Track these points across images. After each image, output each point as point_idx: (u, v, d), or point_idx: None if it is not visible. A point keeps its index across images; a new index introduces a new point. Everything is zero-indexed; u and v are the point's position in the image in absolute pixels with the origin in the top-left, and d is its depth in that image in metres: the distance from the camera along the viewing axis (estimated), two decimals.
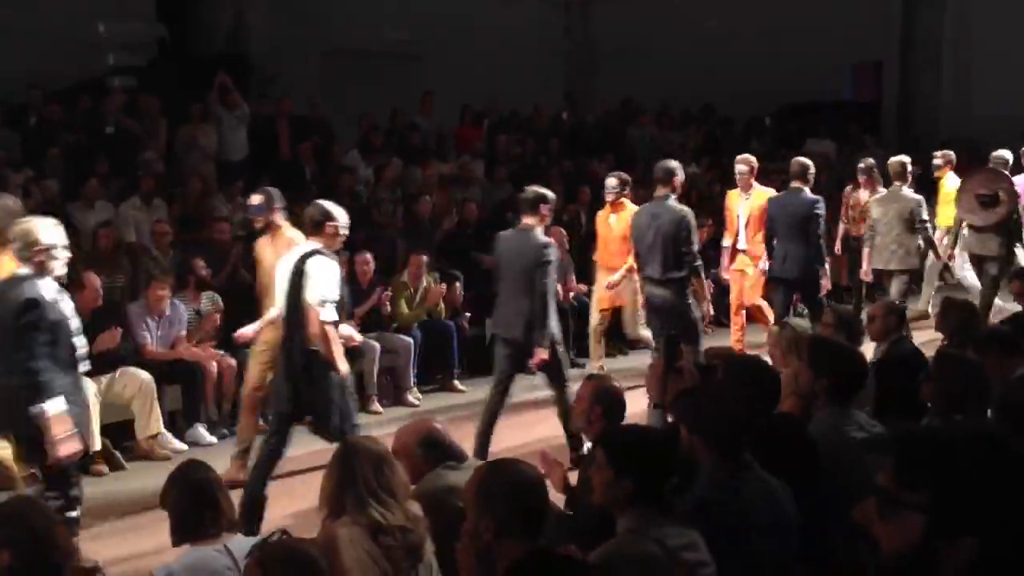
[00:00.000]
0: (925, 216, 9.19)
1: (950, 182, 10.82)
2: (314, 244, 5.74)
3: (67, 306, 4.99)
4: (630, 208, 8.41)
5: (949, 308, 6.02)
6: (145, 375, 7.26)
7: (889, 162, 9.54)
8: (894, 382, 5.11)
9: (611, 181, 8.80)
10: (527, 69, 14.99)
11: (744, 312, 9.34)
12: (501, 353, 6.83)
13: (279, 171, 11.18)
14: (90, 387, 6.89)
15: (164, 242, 8.75)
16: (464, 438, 5.80)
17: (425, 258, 9.03)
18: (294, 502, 6.22)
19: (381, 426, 7.50)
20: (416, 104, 13.09)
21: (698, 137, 14.58)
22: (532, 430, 7.57)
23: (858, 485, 3.52)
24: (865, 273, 9.53)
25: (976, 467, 2.25)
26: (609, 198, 8.70)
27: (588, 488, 3.96)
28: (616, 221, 8.67)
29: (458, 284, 9.50)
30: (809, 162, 8.76)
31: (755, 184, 9.18)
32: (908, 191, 9.28)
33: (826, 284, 8.67)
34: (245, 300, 8.21)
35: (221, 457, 6.88)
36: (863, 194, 10.70)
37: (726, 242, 9.39)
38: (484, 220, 10.57)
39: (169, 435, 7.39)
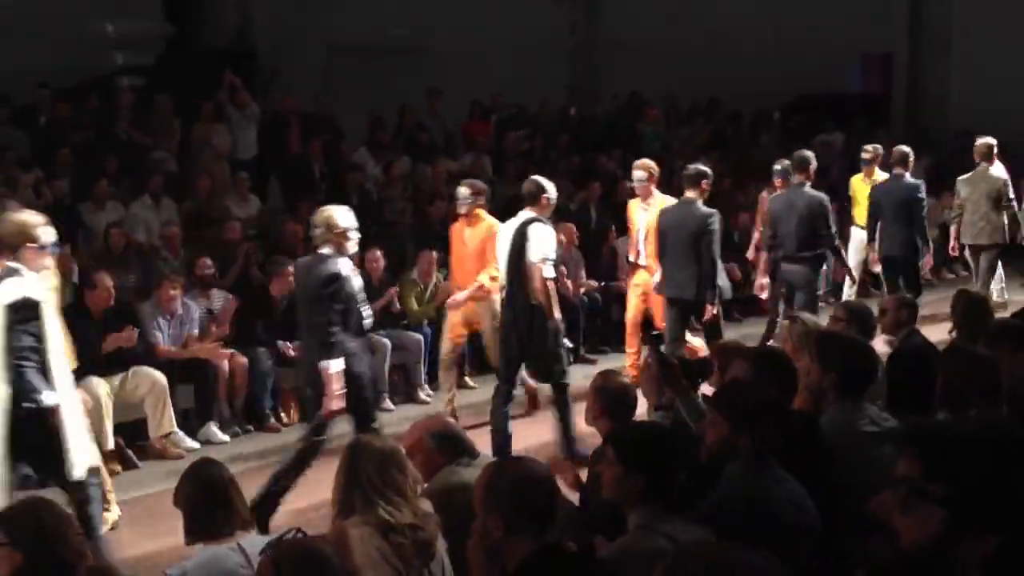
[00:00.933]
0: (1012, 195, 9.87)
1: (881, 177, 9.75)
2: (531, 213, 6.79)
3: (357, 282, 5.97)
4: (487, 220, 7.42)
5: (959, 300, 6.00)
6: (157, 374, 7.29)
7: (976, 144, 10.09)
8: (906, 376, 5.09)
9: (463, 191, 7.55)
10: (533, 64, 14.95)
11: (641, 333, 8.17)
12: (671, 315, 7.86)
13: (288, 169, 11.20)
14: (102, 387, 6.94)
15: (174, 242, 8.77)
16: (474, 435, 5.88)
17: (435, 255, 9.03)
18: (304, 497, 6.24)
19: (393, 424, 7.51)
20: (423, 99, 13.09)
21: (705, 131, 14.54)
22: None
23: (869, 480, 3.52)
24: (953, 248, 10.22)
25: (999, 464, 2.24)
26: (462, 210, 7.49)
27: (599, 485, 3.97)
28: (471, 235, 7.53)
29: None
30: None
31: (656, 192, 8.30)
32: (995, 170, 9.87)
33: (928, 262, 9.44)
34: (256, 298, 8.26)
35: (234, 455, 6.92)
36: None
37: (632, 256, 8.59)
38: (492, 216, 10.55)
39: (182, 434, 7.41)
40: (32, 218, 4.99)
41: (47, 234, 4.91)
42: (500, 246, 6.95)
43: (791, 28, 16.60)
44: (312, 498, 6.08)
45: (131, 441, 7.29)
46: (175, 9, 13.60)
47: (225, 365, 7.69)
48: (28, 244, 4.83)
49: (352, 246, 5.96)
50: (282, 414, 8.07)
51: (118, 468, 7.01)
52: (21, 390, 4.76)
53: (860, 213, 10.00)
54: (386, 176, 11.30)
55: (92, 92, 11.31)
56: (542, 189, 6.83)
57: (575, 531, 3.75)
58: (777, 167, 9.27)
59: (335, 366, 5.73)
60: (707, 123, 14.94)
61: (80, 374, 6.92)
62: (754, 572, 1.81)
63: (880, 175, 9.78)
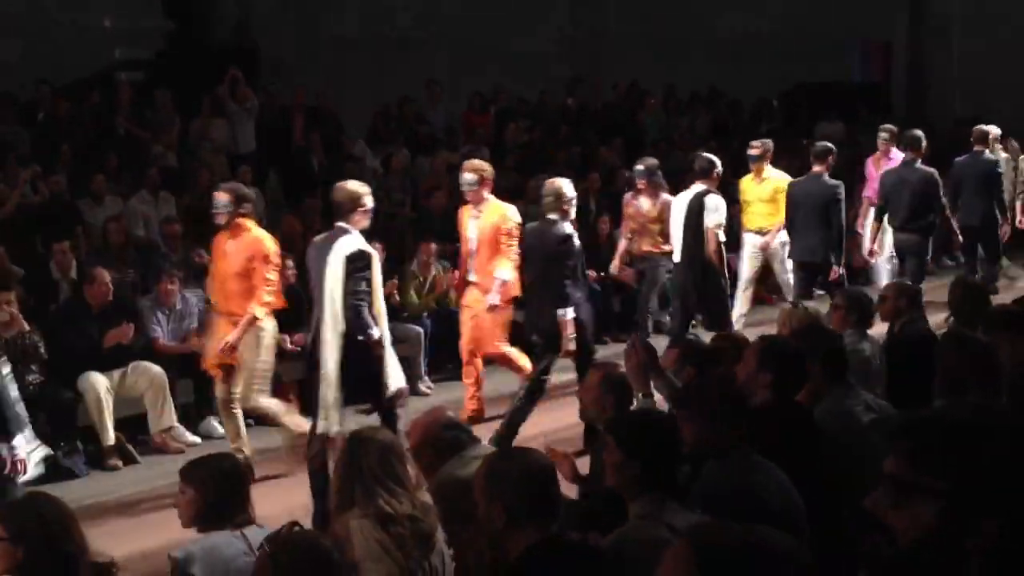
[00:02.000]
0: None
1: (773, 175, 9.14)
2: (703, 186, 8.02)
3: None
4: (254, 231, 6.55)
5: (956, 287, 5.99)
6: (157, 369, 7.28)
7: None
8: (905, 363, 5.09)
9: (222, 198, 6.50)
10: (534, 55, 14.95)
11: (479, 361, 7.59)
12: (799, 276, 8.71)
13: (288, 162, 11.19)
14: (101, 382, 6.95)
15: (173, 236, 8.77)
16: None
17: (435, 246, 9.01)
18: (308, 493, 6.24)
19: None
20: (423, 91, 13.07)
21: (706, 120, 14.51)
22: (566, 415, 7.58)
23: (870, 469, 3.52)
24: (1020, 223, 10.54)
25: (995, 450, 2.23)
26: (221, 220, 6.52)
27: (599, 475, 3.97)
28: (235, 249, 6.48)
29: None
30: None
31: (489, 197, 7.31)
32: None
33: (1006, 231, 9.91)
34: None
35: (234, 449, 6.90)
36: (644, 202, 8.80)
37: (461, 271, 7.64)
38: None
39: (182, 428, 7.41)
40: (361, 187, 5.97)
41: (371, 200, 5.93)
42: (674, 216, 8.11)
43: (791, 16, 16.56)
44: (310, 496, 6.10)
45: (131, 436, 7.29)
46: (174, 4, 13.58)
47: None
48: (359, 208, 5.81)
49: (573, 213, 7.05)
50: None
51: (119, 463, 7.01)
52: (356, 326, 5.72)
53: (753, 217, 9.15)
54: (385, 168, 11.29)
55: (91, 88, 11.31)
56: (713, 164, 8.14)
57: (573, 524, 3.76)
58: (639, 167, 8.80)
59: (570, 313, 6.79)
60: (707, 112, 14.91)
61: (79, 369, 6.99)
62: (780, 551, 1.79)
63: (771, 171, 9.10)
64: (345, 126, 12.27)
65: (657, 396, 4.45)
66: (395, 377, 6.00)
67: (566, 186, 7.01)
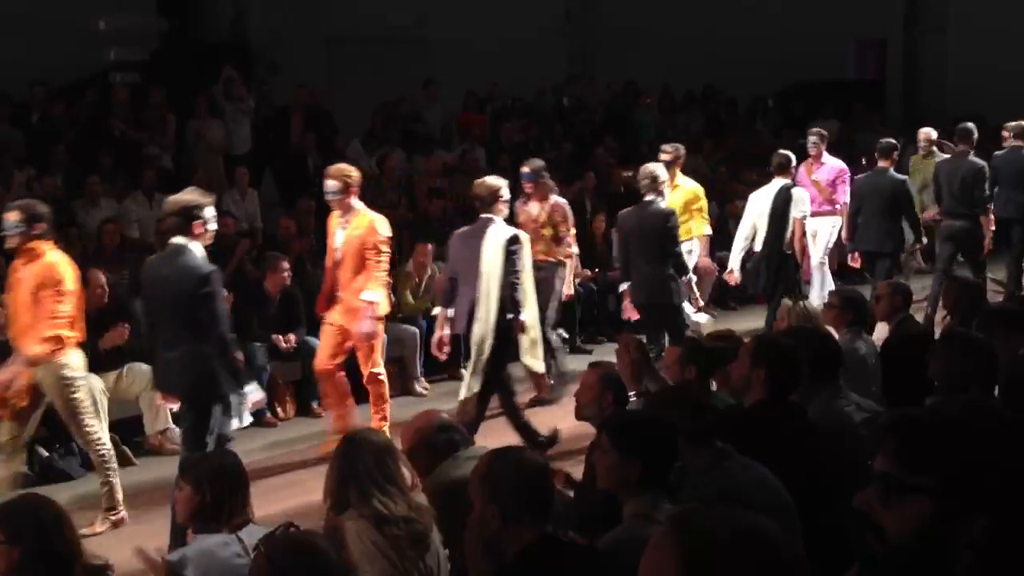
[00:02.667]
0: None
1: (685, 184, 8.82)
2: (786, 180, 8.58)
3: None
4: (48, 256, 5.76)
5: (952, 287, 6.00)
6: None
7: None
8: (901, 362, 5.10)
9: (11, 217, 5.73)
10: (529, 53, 14.93)
11: (342, 375, 7.02)
12: (878, 266, 9.15)
13: (283, 163, 11.17)
14: (97, 383, 6.93)
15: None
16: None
17: (431, 247, 9.01)
18: (304, 494, 6.23)
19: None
20: (419, 89, 13.06)
21: (700, 119, 14.51)
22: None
23: (861, 468, 3.52)
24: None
25: (983, 447, 2.24)
26: (11, 243, 5.81)
27: (594, 475, 3.97)
28: (27, 275, 5.74)
29: None
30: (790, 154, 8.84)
31: (357, 204, 6.80)
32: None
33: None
34: (251, 293, 8.24)
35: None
36: (533, 207, 8.36)
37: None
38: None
39: (178, 430, 7.38)
40: (498, 181, 6.76)
41: (507, 191, 6.71)
42: (756, 208, 8.62)
43: (785, 14, 16.56)
44: (306, 497, 6.09)
45: (127, 438, 7.27)
46: (169, 3, 13.56)
47: None
48: (499, 200, 6.60)
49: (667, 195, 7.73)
50: (278, 409, 8.06)
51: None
52: (511, 305, 6.40)
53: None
54: (380, 168, 11.28)
55: (86, 88, 11.28)
56: (790, 160, 8.77)
57: (567, 525, 3.75)
58: (525, 170, 8.37)
59: (694, 277, 7.91)
60: (702, 111, 14.91)
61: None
62: (775, 535, 1.75)
63: (683, 179, 8.81)
64: (340, 126, 12.25)
65: None
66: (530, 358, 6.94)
67: (659, 169, 7.62)
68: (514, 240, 6.48)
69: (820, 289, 9.34)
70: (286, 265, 8.09)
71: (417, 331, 8.69)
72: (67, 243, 8.33)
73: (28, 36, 11.45)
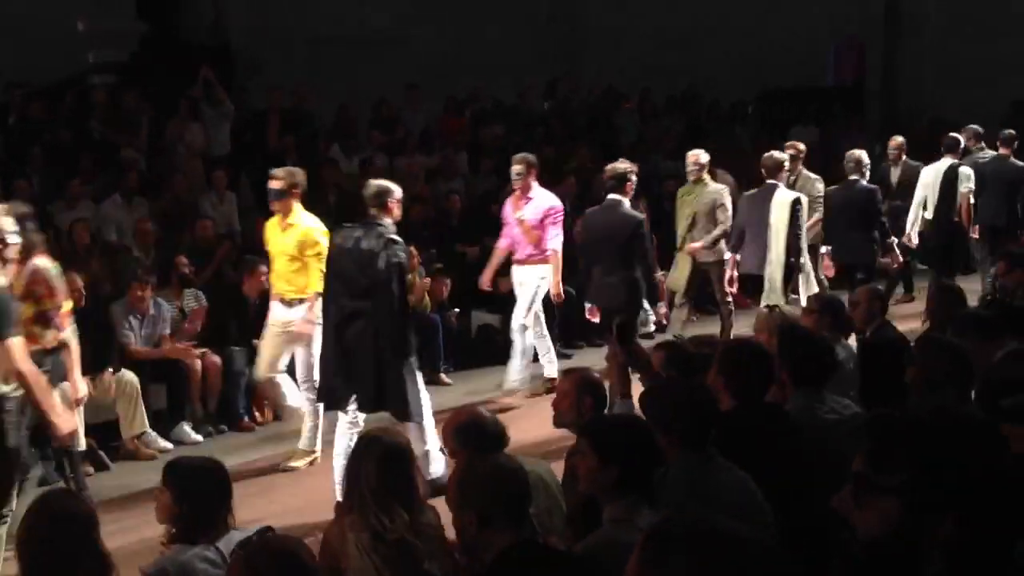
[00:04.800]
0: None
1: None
2: (952, 160, 9.85)
3: None
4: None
5: (936, 293, 6.04)
6: (129, 374, 7.23)
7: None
8: (878, 367, 5.12)
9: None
10: (511, 56, 14.94)
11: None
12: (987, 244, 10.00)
13: (261, 166, 11.11)
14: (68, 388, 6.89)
15: (146, 240, 8.71)
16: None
17: (414, 250, 8.99)
18: (282, 499, 6.21)
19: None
20: (400, 92, 13.04)
21: (680, 123, 14.55)
22: None
23: (830, 467, 3.54)
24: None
25: (949, 449, 2.27)
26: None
27: (573, 479, 3.97)
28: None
29: (446, 278, 9.43)
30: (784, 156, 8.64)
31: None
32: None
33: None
34: (230, 297, 8.21)
35: (207, 455, 6.86)
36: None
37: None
38: (467, 212, 10.55)
39: (155, 434, 7.36)
40: (783, 157, 8.42)
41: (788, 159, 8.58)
42: (926, 182, 9.82)
43: (764, 20, 16.63)
44: (284, 502, 6.08)
45: (103, 442, 7.23)
46: (148, 5, 13.49)
47: (198, 365, 7.64)
48: (784, 170, 8.43)
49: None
50: (256, 413, 8.02)
51: (90, 469, 6.95)
52: (795, 250, 7.91)
53: None
54: (362, 173, 11.25)
55: (65, 91, 11.21)
56: (958, 141, 9.91)
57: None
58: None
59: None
60: (683, 115, 14.95)
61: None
62: (742, 542, 1.77)
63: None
64: (320, 128, 12.22)
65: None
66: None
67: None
68: (797, 202, 8.01)
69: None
70: (264, 269, 8.05)
71: None
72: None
73: (6, 37, 11.37)
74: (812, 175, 9.38)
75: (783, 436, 3.95)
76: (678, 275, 9.06)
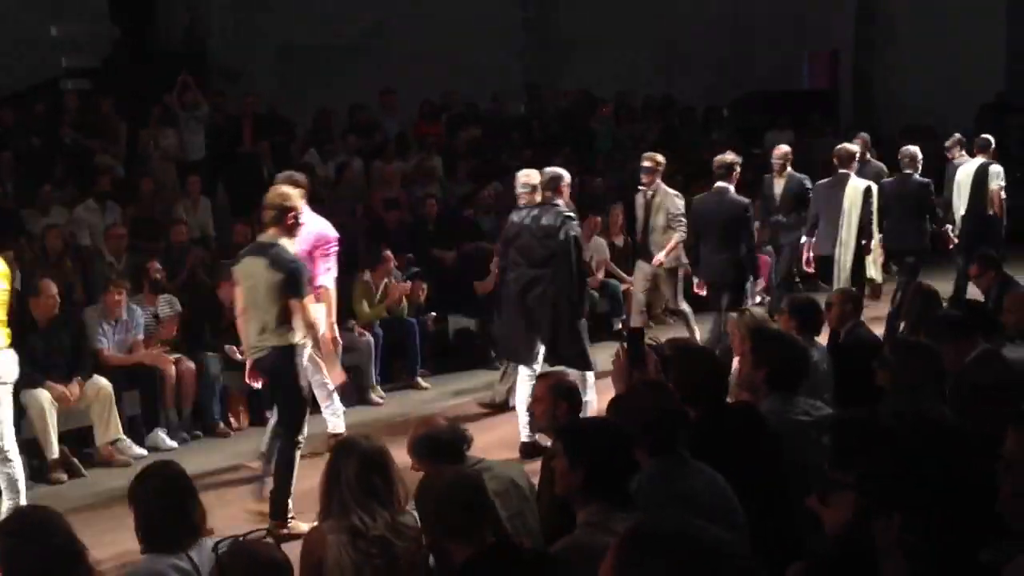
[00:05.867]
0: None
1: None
2: (984, 159, 10.32)
3: None
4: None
5: (914, 294, 6.08)
6: (103, 381, 7.17)
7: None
8: (852, 367, 5.15)
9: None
10: (486, 62, 14.96)
11: None
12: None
13: (237, 171, 11.09)
14: (45, 394, 6.84)
15: (118, 245, 8.65)
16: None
17: (389, 254, 8.98)
18: (256, 504, 6.17)
19: (378, 421, 7.56)
20: (375, 98, 13.02)
21: (655, 128, 14.59)
22: None
23: (802, 467, 3.55)
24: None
25: (902, 449, 2.30)
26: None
27: (547, 483, 3.98)
28: None
29: (423, 283, 9.42)
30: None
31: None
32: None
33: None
34: (204, 302, 8.17)
35: (182, 461, 6.81)
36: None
37: None
38: (443, 216, 10.54)
39: (129, 441, 7.29)
40: (854, 147, 9.36)
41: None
42: (960, 182, 10.24)
43: (740, 26, 16.72)
44: (259, 507, 6.04)
45: (77, 449, 7.17)
46: (121, 10, 13.42)
47: (172, 371, 7.59)
48: (855, 160, 9.12)
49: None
50: (231, 419, 7.98)
51: (63, 477, 6.90)
52: (864, 233, 8.73)
53: None
54: (338, 176, 11.23)
55: (37, 96, 11.13)
56: (990, 143, 10.40)
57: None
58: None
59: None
60: (658, 120, 15.00)
61: (23, 384, 6.85)
62: (718, 547, 1.77)
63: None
64: (296, 134, 12.19)
65: None
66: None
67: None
68: (868, 189, 8.82)
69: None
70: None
71: (372, 340, 8.63)
72: (16, 252, 8.24)
73: None
74: (671, 190, 8.85)
75: (757, 438, 3.97)
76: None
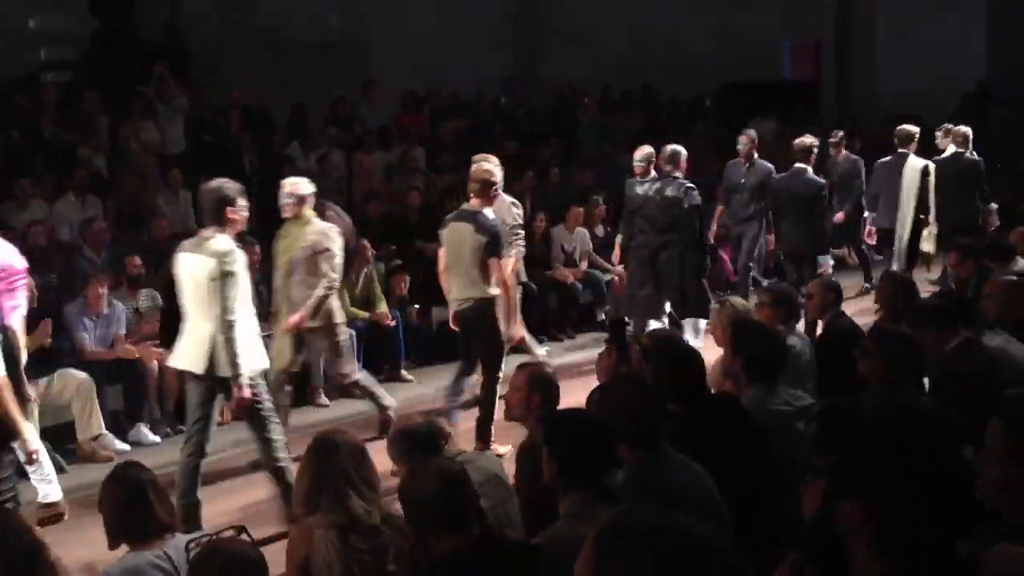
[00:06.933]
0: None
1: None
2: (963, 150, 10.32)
3: None
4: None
5: (886, 282, 6.09)
6: (83, 376, 7.13)
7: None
8: (834, 357, 5.16)
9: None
10: (470, 54, 14.93)
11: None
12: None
13: (218, 162, 11.01)
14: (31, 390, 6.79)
15: (98, 240, 8.59)
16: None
17: (367, 244, 8.95)
18: (239, 499, 6.16)
19: (327, 422, 7.47)
20: (358, 89, 12.98)
21: (638, 119, 14.59)
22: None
23: (784, 456, 3.55)
24: None
25: (881, 437, 2.31)
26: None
27: (524, 474, 4.00)
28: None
29: (406, 274, 9.40)
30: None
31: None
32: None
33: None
34: None
35: (165, 456, 6.80)
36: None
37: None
38: (425, 208, 10.52)
39: (111, 436, 7.27)
40: (914, 128, 9.65)
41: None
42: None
43: (722, 16, 16.72)
44: (239, 501, 6.03)
45: (59, 444, 7.12)
46: (101, 3, 13.33)
47: (154, 365, 7.56)
48: (914, 140, 9.88)
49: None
50: None
51: None
52: (924, 208, 9.34)
53: None
54: (320, 168, 11.18)
55: (16, 90, 11.05)
56: (968, 136, 10.08)
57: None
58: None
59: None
60: (641, 111, 15.00)
61: None
62: (704, 540, 1.77)
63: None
64: (277, 126, 12.14)
65: None
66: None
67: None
68: (926, 169, 9.36)
69: None
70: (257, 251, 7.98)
71: (353, 332, 8.56)
72: None
73: None
74: (508, 198, 7.61)
75: (740, 431, 3.97)
76: (277, 352, 6.90)
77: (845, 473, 2.29)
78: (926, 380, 4.45)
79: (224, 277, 5.32)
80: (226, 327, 5.33)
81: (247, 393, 5.40)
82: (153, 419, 7.63)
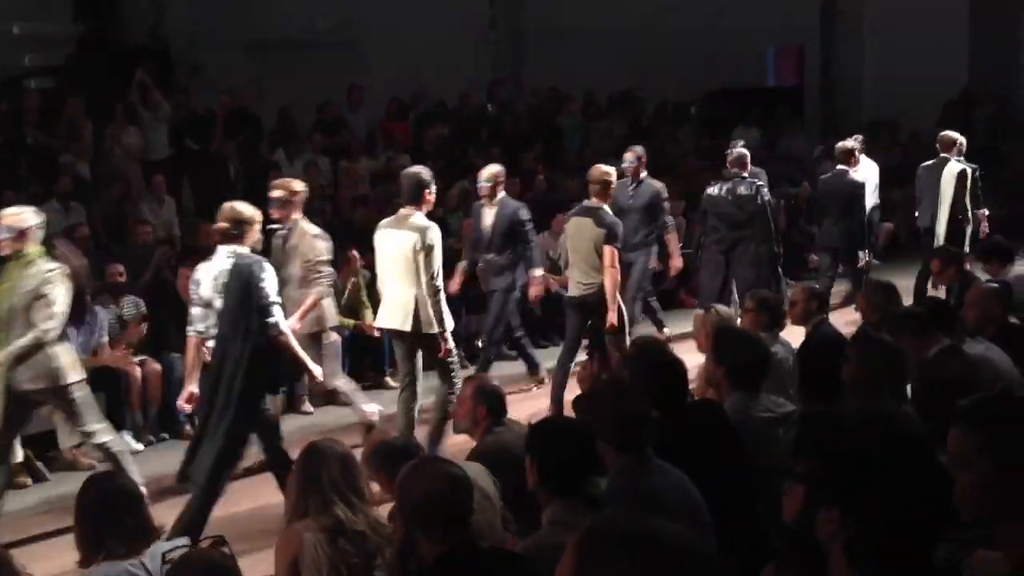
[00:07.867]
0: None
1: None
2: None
3: None
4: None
5: (871, 290, 6.11)
6: None
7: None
8: (817, 365, 5.18)
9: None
10: (455, 58, 14.93)
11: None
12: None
13: (202, 169, 11.00)
14: None
15: (82, 246, 8.55)
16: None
17: (356, 253, 8.93)
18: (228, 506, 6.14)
19: (313, 428, 7.46)
20: (343, 94, 12.96)
21: (623, 125, 14.60)
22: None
23: (764, 462, 3.56)
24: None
25: (858, 444, 2.32)
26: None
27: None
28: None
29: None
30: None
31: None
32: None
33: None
34: (170, 303, 8.09)
35: (147, 464, 6.78)
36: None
37: None
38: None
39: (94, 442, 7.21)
40: (960, 136, 10.22)
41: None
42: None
43: (706, 22, 16.76)
44: (228, 509, 6.01)
45: (41, 452, 7.10)
46: (84, 8, 13.28)
47: (137, 373, 7.53)
48: (957, 145, 10.07)
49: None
50: (197, 421, 7.90)
51: (28, 481, 6.83)
52: (960, 210, 9.85)
53: None
54: (305, 175, 11.16)
55: (1, 97, 11.00)
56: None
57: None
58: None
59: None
60: (625, 116, 15.02)
61: None
62: (689, 546, 1.77)
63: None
64: (263, 131, 12.10)
65: None
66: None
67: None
68: (963, 173, 9.82)
69: None
70: None
71: (338, 338, 8.53)
72: None
73: None
74: (311, 229, 6.97)
75: (721, 437, 3.98)
76: None
77: (824, 479, 2.31)
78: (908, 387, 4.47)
79: (428, 248, 6.26)
80: (433, 291, 6.28)
81: (450, 345, 6.41)
82: (136, 427, 7.60)
